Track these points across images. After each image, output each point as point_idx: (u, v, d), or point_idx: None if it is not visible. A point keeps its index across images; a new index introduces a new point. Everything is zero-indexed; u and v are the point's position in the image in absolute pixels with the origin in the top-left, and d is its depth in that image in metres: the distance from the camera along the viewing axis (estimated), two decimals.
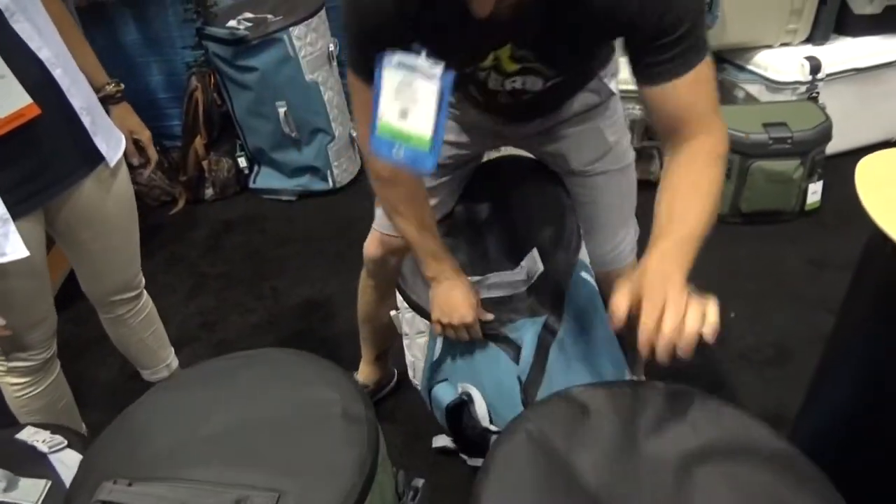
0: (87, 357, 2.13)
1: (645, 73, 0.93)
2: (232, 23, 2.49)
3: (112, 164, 1.37)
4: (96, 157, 1.34)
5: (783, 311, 2.06)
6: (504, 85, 1.10)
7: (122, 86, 1.53)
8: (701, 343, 0.79)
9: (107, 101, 1.47)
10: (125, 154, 1.44)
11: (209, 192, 2.86)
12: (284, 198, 2.84)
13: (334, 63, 2.69)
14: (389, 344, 1.81)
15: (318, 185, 2.83)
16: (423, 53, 0.89)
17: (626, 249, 1.39)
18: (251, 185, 2.88)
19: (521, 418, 0.85)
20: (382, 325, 1.72)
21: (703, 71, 0.92)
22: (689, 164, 0.94)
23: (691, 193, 0.92)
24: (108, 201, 1.40)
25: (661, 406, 0.83)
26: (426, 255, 1.23)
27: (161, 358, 1.75)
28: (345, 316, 2.20)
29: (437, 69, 0.89)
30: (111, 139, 1.38)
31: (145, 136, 1.59)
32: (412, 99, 0.91)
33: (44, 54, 1.21)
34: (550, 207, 1.37)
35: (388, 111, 0.93)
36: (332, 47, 2.64)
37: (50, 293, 1.39)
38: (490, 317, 1.23)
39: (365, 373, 1.84)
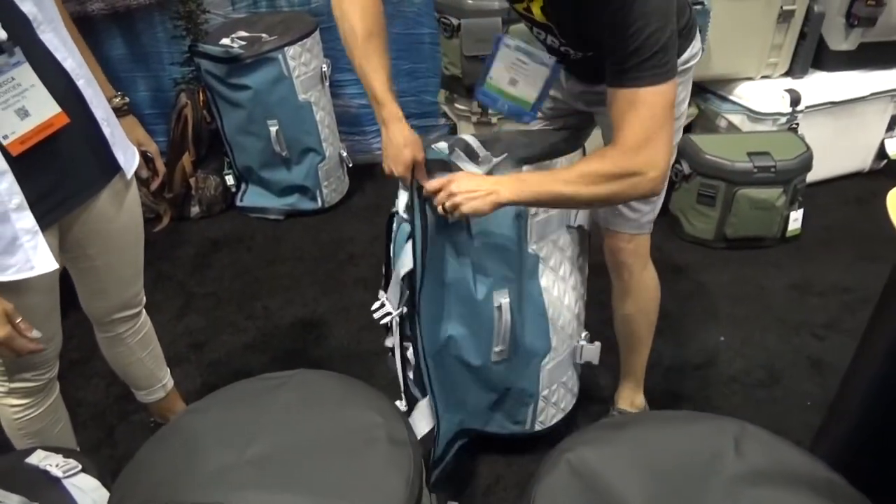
0: (71, 378, 2.06)
1: (607, 69, 1.10)
2: (225, 41, 2.48)
3: (129, 175, 1.36)
4: (113, 169, 1.33)
5: (770, 334, 2.11)
6: (534, 31, 1.30)
7: (128, 99, 1.52)
8: None
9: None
10: None
11: (195, 209, 2.82)
12: (272, 217, 2.82)
13: (326, 83, 2.69)
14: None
15: (306, 205, 2.81)
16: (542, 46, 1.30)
17: (628, 215, 1.47)
18: (238, 203, 2.85)
19: (560, 449, 0.86)
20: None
21: (648, 97, 1.06)
22: (589, 157, 1.17)
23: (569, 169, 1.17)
24: (120, 215, 1.39)
25: (704, 432, 0.85)
26: (368, 91, 1.28)
27: (158, 378, 1.71)
28: (338, 336, 2.19)
29: (551, 60, 1.32)
30: (127, 151, 1.38)
31: (153, 148, 1.58)
32: (524, 74, 1.34)
33: (69, 65, 1.21)
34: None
35: (499, 77, 1.36)
36: (325, 68, 2.65)
37: (59, 310, 1.35)
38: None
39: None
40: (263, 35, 2.49)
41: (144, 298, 1.60)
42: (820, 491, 0.77)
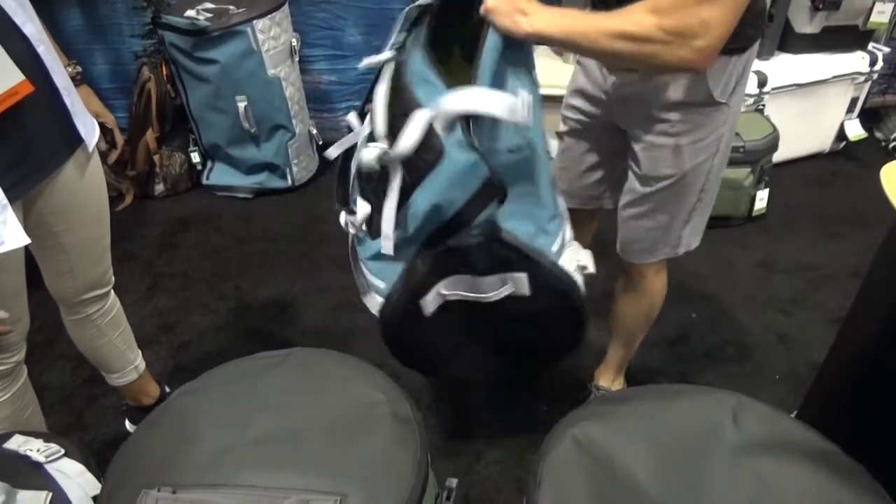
0: (35, 361, 1.99)
1: None
2: (191, 12, 2.39)
3: (90, 147, 1.30)
4: (75, 142, 1.27)
5: (739, 311, 2.17)
6: None
7: (80, 68, 1.46)
8: None
9: None
10: None
11: (160, 187, 2.73)
12: (240, 195, 2.75)
13: (296, 58, 2.63)
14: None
15: (276, 183, 2.75)
16: None
17: (646, 248, 1.43)
18: (204, 181, 2.78)
19: (563, 423, 0.86)
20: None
21: None
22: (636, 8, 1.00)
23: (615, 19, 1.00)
24: (84, 190, 1.33)
25: (702, 405, 0.86)
26: None
27: (129, 360, 1.67)
28: (312, 316, 2.16)
29: None
30: (87, 122, 1.32)
31: (110, 119, 1.53)
32: None
33: (28, 30, 1.14)
34: None
35: None
36: (294, 42, 2.58)
37: (26, 290, 1.30)
38: None
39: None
40: (231, 7, 2.41)
41: (113, 278, 1.54)
42: (816, 459, 0.79)
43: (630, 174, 1.37)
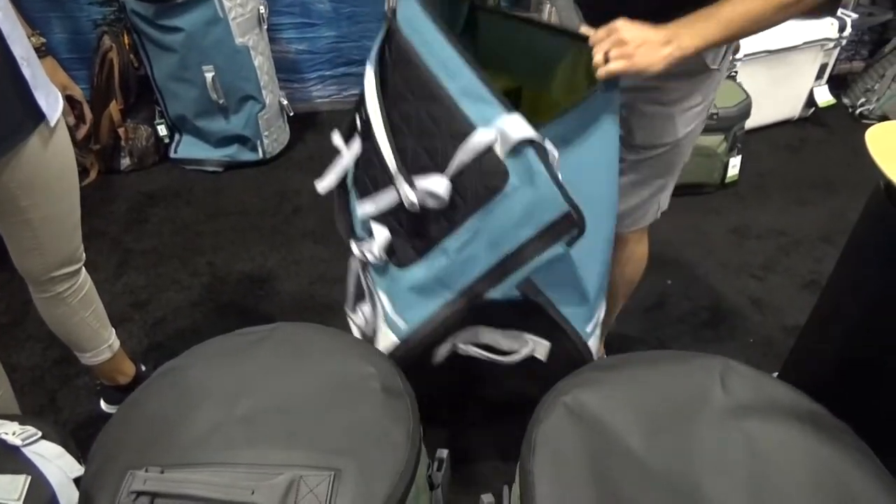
0: (3, 342, 1.94)
1: None
2: None
3: (53, 122, 1.25)
4: (37, 116, 1.21)
5: (713, 276, 2.20)
6: None
7: (45, 39, 1.40)
8: None
9: None
10: None
11: (125, 161, 2.65)
12: (209, 168, 2.69)
13: (264, 26, 2.55)
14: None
15: (246, 156, 2.69)
16: None
17: (637, 215, 1.42)
18: (172, 154, 2.70)
19: (554, 391, 0.86)
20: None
21: None
22: None
23: None
24: (50, 164, 1.28)
25: (691, 370, 0.87)
26: None
27: (103, 338, 1.62)
28: (288, 290, 2.13)
29: None
30: (50, 95, 1.25)
31: (78, 92, 1.47)
32: None
33: None
34: None
35: None
36: (262, 9, 2.50)
37: None
38: None
39: None
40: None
41: (84, 254, 1.50)
42: (804, 420, 0.81)
43: (622, 147, 1.31)
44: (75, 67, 2.75)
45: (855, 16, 2.75)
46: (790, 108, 2.95)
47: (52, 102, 1.25)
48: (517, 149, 0.89)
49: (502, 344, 1.12)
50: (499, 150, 0.90)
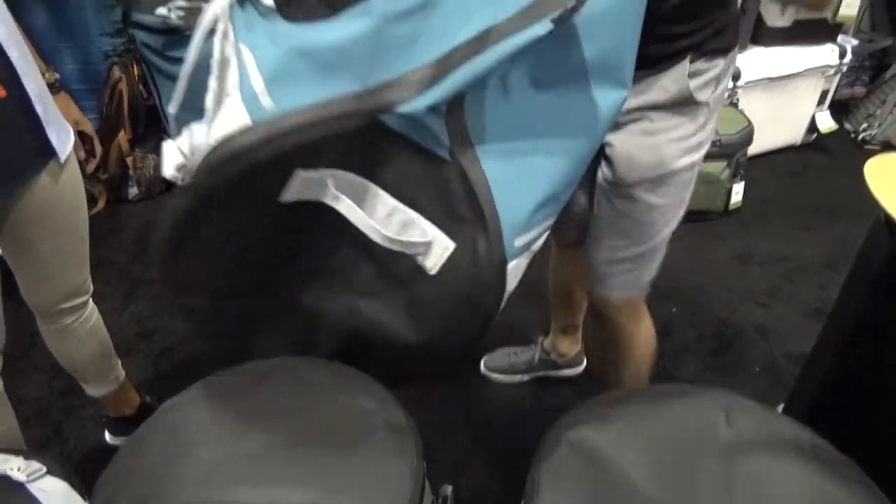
0: (9, 374, 1.93)
1: None
2: (162, 10, 2.34)
3: (63, 157, 1.27)
4: (48, 151, 1.24)
5: (718, 304, 2.20)
6: None
7: (58, 75, 1.43)
8: None
9: None
10: None
11: (133, 190, 2.68)
12: None
13: None
14: (574, 319, 1.79)
15: None
16: None
17: (623, 279, 1.26)
18: (180, 183, 2.72)
19: (557, 427, 0.86)
20: (567, 296, 1.70)
21: None
22: None
23: None
24: (60, 198, 1.30)
25: (695, 405, 0.87)
26: None
27: (109, 370, 1.63)
28: None
29: None
30: (61, 131, 1.28)
31: (89, 127, 1.50)
32: None
33: (0, 33, 1.10)
34: None
35: None
36: None
37: (1, 301, 1.26)
38: None
39: (549, 341, 1.85)
40: (204, 4, 2.35)
41: (92, 285, 1.51)
42: (808, 456, 0.80)
43: (605, 186, 1.19)
44: (85, 98, 2.79)
45: (855, 42, 2.78)
46: (792, 134, 2.96)
47: (63, 138, 1.28)
48: None
49: (387, 222, 0.77)
50: None
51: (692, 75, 1.10)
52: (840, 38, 2.78)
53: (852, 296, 1.08)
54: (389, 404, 0.86)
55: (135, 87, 2.54)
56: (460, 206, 0.75)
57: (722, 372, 1.95)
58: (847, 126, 3.07)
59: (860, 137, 2.98)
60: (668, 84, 1.11)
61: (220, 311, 0.94)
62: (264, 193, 0.75)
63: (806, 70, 2.73)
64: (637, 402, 0.89)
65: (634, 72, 0.89)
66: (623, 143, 1.16)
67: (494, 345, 1.92)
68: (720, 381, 1.92)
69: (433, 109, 0.69)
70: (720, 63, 1.13)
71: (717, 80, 1.15)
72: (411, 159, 0.72)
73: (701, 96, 1.13)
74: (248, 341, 0.97)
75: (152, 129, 2.68)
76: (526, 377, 1.90)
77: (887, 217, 0.91)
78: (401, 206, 0.76)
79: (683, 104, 1.13)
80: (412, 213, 0.76)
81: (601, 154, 1.15)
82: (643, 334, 1.38)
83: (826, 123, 2.93)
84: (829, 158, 2.95)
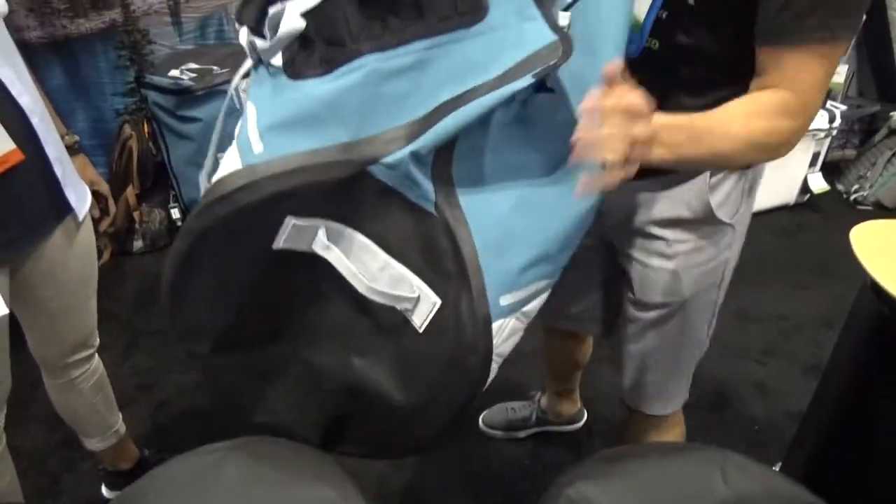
0: (9, 423, 1.94)
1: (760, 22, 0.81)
2: (175, 72, 2.44)
3: (80, 217, 1.31)
4: (64, 209, 1.28)
5: (717, 361, 2.20)
6: None
7: (77, 137, 1.49)
8: None
9: None
10: None
11: (138, 244, 2.72)
12: None
13: None
14: (571, 384, 1.79)
15: None
16: None
17: (654, 394, 1.23)
18: None
19: (557, 484, 0.87)
20: (560, 362, 1.69)
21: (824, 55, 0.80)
22: (753, 107, 0.83)
23: (732, 112, 0.82)
24: (73, 256, 1.33)
25: (692, 462, 0.88)
26: None
27: (110, 424, 1.64)
28: None
29: None
30: (79, 191, 1.33)
31: (104, 187, 1.55)
32: None
33: (24, 101, 1.16)
34: None
35: None
36: None
37: (8, 354, 1.28)
38: None
39: (546, 403, 1.84)
40: (214, 67, 2.46)
41: (98, 338, 1.53)
42: None
43: (626, 302, 1.15)
44: (96, 153, 2.87)
45: (844, 107, 2.88)
46: (786, 193, 3.03)
47: (80, 198, 1.32)
48: None
49: (379, 276, 0.77)
50: None
51: (712, 188, 0.99)
52: (829, 103, 2.88)
53: (843, 357, 1.10)
54: (349, 494, 0.83)
55: (144, 143, 2.62)
56: (446, 262, 0.75)
57: (722, 430, 1.95)
58: (839, 187, 3.14)
59: (852, 198, 3.05)
60: (684, 197, 1.00)
61: (220, 360, 0.94)
62: (258, 240, 0.77)
63: None
64: (635, 458, 0.90)
65: (645, 179, 0.85)
66: (638, 264, 1.09)
67: (492, 399, 1.93)
68: (719, 438, 1.92)
69: (420, 163, 0.70)
70: (743, 177, 1.03)
71: (743, 197, 1.05)
72: (400, 213, 0.74)
73: (723, 214, 1.02)
74: (248, 396, 0.95)
75: (160, 185, 2.75)
76: (524, 434, 1.90)
77: (873, 282, 0.94)
78: (392, 261, 0.76)
79: (704, 224, 1.03)
80: (402, 269, 0.76)
81: (624, 275, 1.13)
82: (677, 435, 1.35)
83: (818, 184, 3.00)
84: (822, 218, 3.01)
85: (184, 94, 2.39)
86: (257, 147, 0.73)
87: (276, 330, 0.88)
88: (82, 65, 2.70)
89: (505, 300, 0.78)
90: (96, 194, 1.51)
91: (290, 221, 0.75)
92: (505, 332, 0.81)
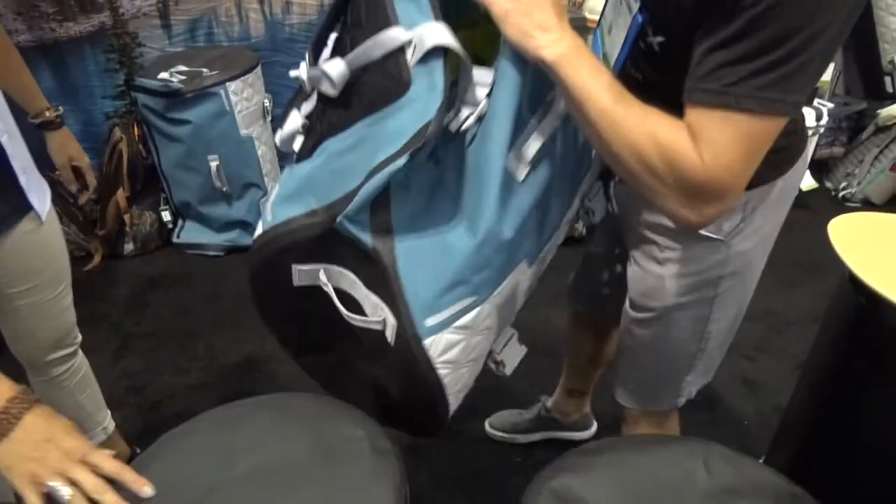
0: None
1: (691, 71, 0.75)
2: (164, 75, 2.44)
3: (42, 215, 1.31)
4: (24, 208, 1.28)
5: None
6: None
7: (61, 110, 1.50)
8: None
9: (45, 127, 1.46)
10: (63, 182, 1.47)
11: (129, 246, 2.72)
12: (211, 253, 2.75)
13: (269, 118, 2.68)
14: (584, 384, 1.75)
15: (247, 240, 2.76)
16: None
17: (634, 390, 1.24)
18: (175, 239, 2.78)
19: (540, 477, 0.88)
20: (580, 356, 1.66)
21: (748, 127, 0.71)
22: (664, 119, 0.77)
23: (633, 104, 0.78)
24: (37, 255, 1.33)
25: (675, 454, 0.89)
26: None
27: (97, 421, 1.63)
28: (286, 375, 2.15)
29: (636, 6, 0.87)
30: (41, 192, 1.33)
31: (84, 162, 1.57)
32: (618, 20, 0.94)
33: None
34: None
35: (606, 19, 1.00)
36: (267, 103, 2.64)
37: None
38: None
39: (554, 401, 1.81)
40: (204, 70, 2.46)
41: (80, 336, 1.53)
42: (785, 502, 0.82)
43: (626, 296, 1.17)
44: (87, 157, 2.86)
45: (831, 105, 2.89)
46: None
47: (42, 200, 1.32)
48: (428, 57, 0.80)
49: (363, 304, 0.94)
50: (410, 57, 0.81)
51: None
52: (816, 101, 2.90)
53: (824, 349, 1.11)
54: (376, 431, 0.88)
55: (134, 146, 2.62)
56: (389, 294, 0.92)
57: (712, 426, 1.96)
58: (828, 184, 3.16)
59: (840, 195, 3.07)
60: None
61: (304, 360, 1.20)
62: (285, 279, 0.98)
63: None
64: (618, 451, 0.91)
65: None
66: (633, 263, 1.10)
67: (501, 406, 1.95)
68: (709, 434, 1.89)
69: (352, 221, 0.88)
70: (747, 196, 0.96)
71: (744, 216, 0.99)
72: (360, 257, 0.91)
73: (715, 230, 0.99)
74: (334, 389, 1.17)
75: (150, 186, 2.74)
76: (533, 437, 1.88)
77: (851, 274, 0.95)
78: (370, 292, 0.94)
79: (691, 238, 1.01)
80: (376, 298, 0.93)
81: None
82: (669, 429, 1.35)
83: (807, 182, 3.02)
84: (811, 215, 3.02)
85: (173, 97, 2.39)
86: (269, 216, 0.95)
87: (323, 340, 1.09)
88: (71, 68, 2.69)
89: (430, 321, 0.93)
90: (76, 170, 1.51)
91: (295, 267, 0.96)
92: (441, 346, 0.94)
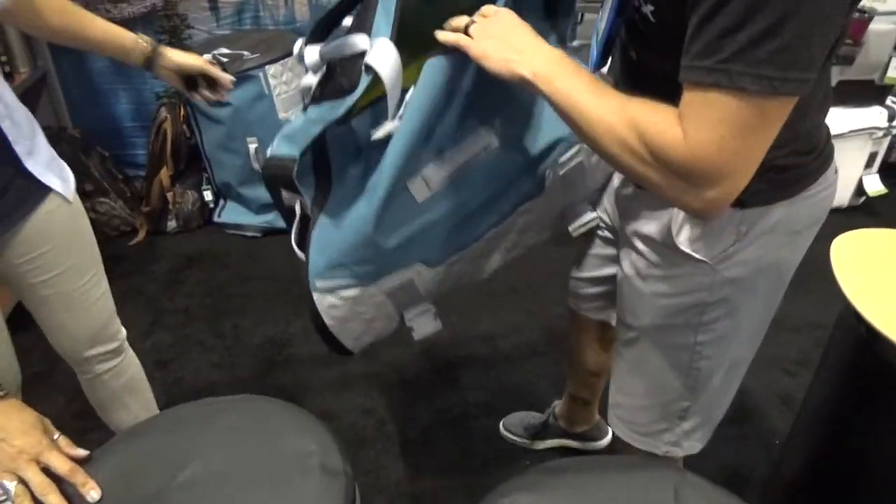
0: (30, 391, 2.02)
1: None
2: (207, 57, 2.46)
3: (69, 196, 1.27)
4: (41, 193, 1.23)
5: None
6: None
7: (151, 40, 1.40)
8: None
9: (152, 60, 1.39)
10: (203, 91, 1.50)
11: (171, 224, 2.79)
12: (249, 234, 2.80)
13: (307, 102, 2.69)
14: (587, 393, 1.68)
15: (283, 223, 2.79)
16: None
17: (622, 416, 1.16)
18: (215, 219, 2.83)
19: (494, 493, 0.84)
20: (581, 362, 1.58)
21: (731, 108, 0.67)
22: (650, 107, 0.75)
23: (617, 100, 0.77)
24: (62, 238, 1.28)
25: (644, 480, 0.83)
26: None
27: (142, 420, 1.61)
28: (306, 358, 2.16)
29: None
30: (62, 173, 1.28)
31: (203, 64, 1.49)
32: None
33: None
34: None
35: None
36: None
37: (8, 338, 1.29)
38: None
39: (560, 407, 1.78)
40: (245, 53, 2.48)
41: (123, 331, 1.48)
42: None
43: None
44: (137, 135, 2.96)
45: None
46: (838, 196, 2.84)
47: (64, 180, 1.27)
48: (367, 65, 0.92)
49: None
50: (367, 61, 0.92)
51: (684, 236, 0.92)
52: (889, 100, 2.68)
53: (824, 382, 1.02)
54: (330, 448, 0.86)
55: (179, 127, 2.68)
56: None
57: (739, 443, 1.85)
58: None
59: None
60: (656, 213, 0.95)
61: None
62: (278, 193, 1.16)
63: (851, 131, 2.64)
64: (582, 472, 0.85)
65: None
66: (622, 274, 1.06)
67: (518, 406, 1.92)
68: (736, 451, 1.82)
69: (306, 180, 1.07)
70: (738, 216, 0.89)
71: (736, 238, 0.91)
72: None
73: (691, 247, 0.93)
74: None
75: (193, 166, 2.81)
76: (547, 444, 1.82)
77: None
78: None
79: (668, 248, 0.95)
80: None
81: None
82: None
83: (874, 186, 2.81)
84: (878, 222, 2.81)
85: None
86: (274, 145, 1.08)
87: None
88: None
89: (319, 283, 1.11)
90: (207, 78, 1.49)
91: (283, 192, 1.14)
92: (325, 304, 1.12)
